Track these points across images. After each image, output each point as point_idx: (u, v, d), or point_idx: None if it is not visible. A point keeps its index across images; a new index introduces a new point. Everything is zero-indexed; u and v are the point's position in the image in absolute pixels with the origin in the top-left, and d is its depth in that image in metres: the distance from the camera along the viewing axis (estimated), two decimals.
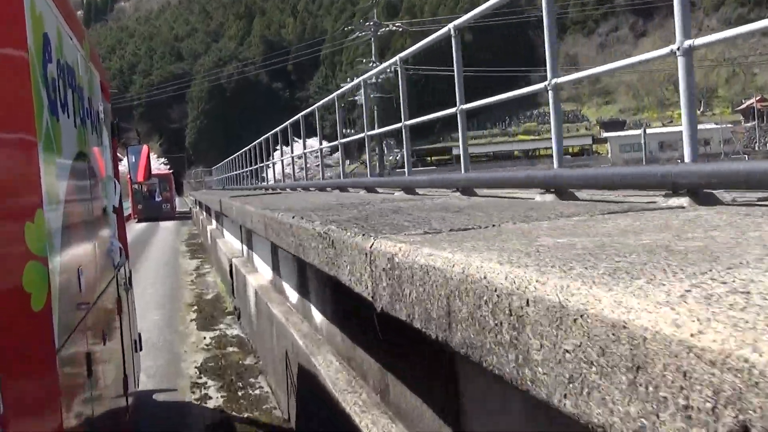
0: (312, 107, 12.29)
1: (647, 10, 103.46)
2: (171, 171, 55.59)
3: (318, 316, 5.27)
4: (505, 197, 4.68)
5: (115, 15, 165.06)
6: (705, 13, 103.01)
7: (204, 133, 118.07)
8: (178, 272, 17.46)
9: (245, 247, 11.01)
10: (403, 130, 7.34)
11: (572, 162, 74.97)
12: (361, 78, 9.61)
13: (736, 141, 67.91)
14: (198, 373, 8.05)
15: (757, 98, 79.56)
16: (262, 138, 18.55)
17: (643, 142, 54.18)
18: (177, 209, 45.64)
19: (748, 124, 72.38)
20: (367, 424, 3.32)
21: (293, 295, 6.41)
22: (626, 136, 76.41)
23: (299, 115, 13.60)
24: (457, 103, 5.76)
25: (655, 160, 53.45)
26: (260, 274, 9.04)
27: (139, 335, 5.86)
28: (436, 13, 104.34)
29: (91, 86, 3.76)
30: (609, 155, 77.55)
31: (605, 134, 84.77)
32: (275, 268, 7.59)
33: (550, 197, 3.85)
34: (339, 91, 10.64)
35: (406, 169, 7.69)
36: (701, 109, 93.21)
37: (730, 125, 71.62)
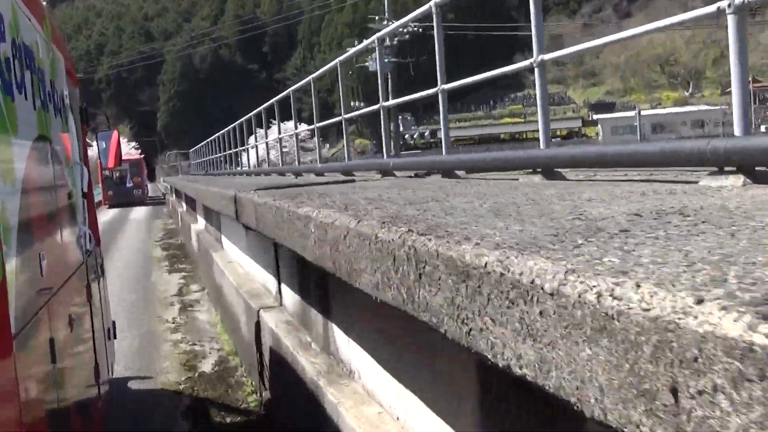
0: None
1: None
2: (142, 156, 55.12)
3: None
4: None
5: None
6: None
7: (176, 115, 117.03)
8: (151, 303, 11.44)
9: (289, 292, 5.75)
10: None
11: (561, 145, 74.99)
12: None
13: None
14: None
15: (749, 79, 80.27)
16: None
17: (638, 124, 54.41)
18: (149, 195, 45.46)
19: None
20: None
21: None
22: (618, 118, 76.50)
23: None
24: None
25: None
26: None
27: (113, 323, 5.88)
28: None
29: (54, 69, 3.74)
30: (600, 138, 77.82)
31: (596, 116, 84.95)
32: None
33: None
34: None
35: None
36: (690, 91, 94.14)
37: (725, 106, 72.31)
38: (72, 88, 4.74)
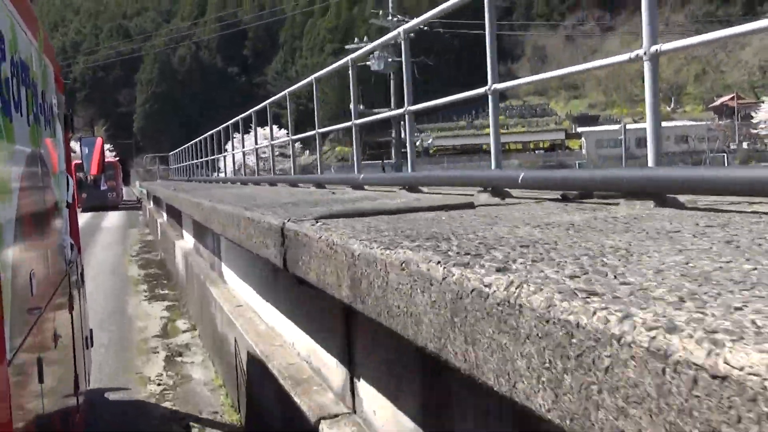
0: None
1: (613, 4, 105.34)
2: (117, 159, 54.76)
3: None
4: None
5: None
6: (672, 10, 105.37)
7: (154, 117, 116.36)
8: (128, 349, 8.95)
9: (374, 394, 3.51)
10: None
11: (544, 158, 75.90)
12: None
13: (721, 137, 69.46)
14: None
15: (730, 96, 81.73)
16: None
17: (623, 138, 54.96)
18: (123, 199, 45.16)
19: (722, 122, 74.38)
20: None
21: None
22: (602, 131, 77.26)
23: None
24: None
25: (632, 157, 54.36)
26: None
27: (91, 331, 5.91)
28: None
29: (45, 79, 3.81)
30: (583, 151, 78.52)
31: (580, 129, 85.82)
32: None
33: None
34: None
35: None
36: (672, 106, 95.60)
37: (709, 122, 73.46)
38: (59, 95, 4.80)
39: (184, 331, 9.74)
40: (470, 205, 3.52)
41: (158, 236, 18.92)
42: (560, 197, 3.58)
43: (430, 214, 3.12)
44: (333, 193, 6.19)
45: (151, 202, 24.74)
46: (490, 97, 4.70)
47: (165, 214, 17.68)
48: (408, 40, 5.83)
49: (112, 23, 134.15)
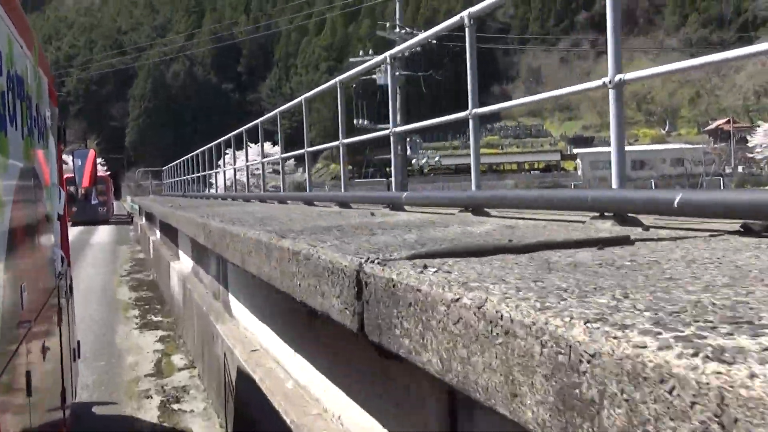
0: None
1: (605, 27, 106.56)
2: (109, 173, 54.80)
3: None
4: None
5: (53, 5, 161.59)
6: (666, 33, 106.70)
7: (146, 132, 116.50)
8: (116, 389, 8.04)
9: None
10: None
11: (539, 179, 76.04)
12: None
13: (717, 160, 69.79)
14: None
15: (725, 120, 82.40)
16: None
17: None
18: (114, 213, 45.15)
19: (718, 146, 74.96)
20: None
21: None
22: (598, 153, 77.18)
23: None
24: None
25: (629, 179, 54.44)
26: None
27: (78, 343, 5.91)
28: None
29: (39, 92, 3.86)
30: (579, 172, 78.65)
31: (576, 150, 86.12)
32: None
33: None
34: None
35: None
36: (666, 129, 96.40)
37: (705, 145, 73.93)
38: (52, 108, 4.85)
39: (181, 369, 8.65)
40: (626, 240, 2.47)
41: (150, 254, 18.09)
42: (741, 229, 2.68)
43: (585, 254, 2.14)
44: (372, 214, 5.10)
45: (143, 218, 23.49)
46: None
47: (158, 232, 16.80)
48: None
49: (106, 38, 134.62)
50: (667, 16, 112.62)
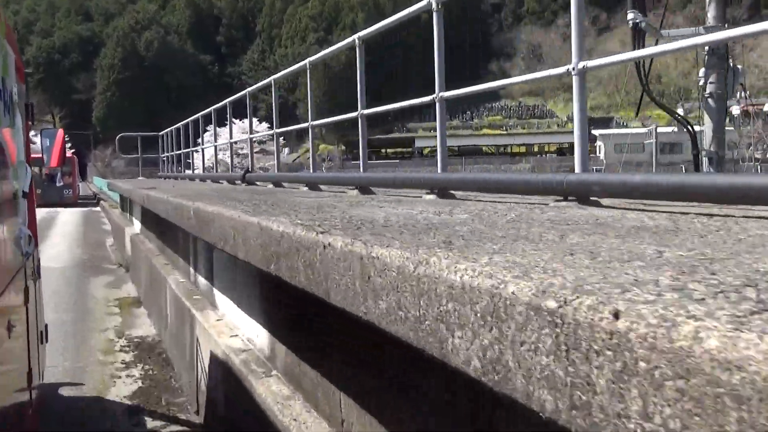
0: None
1: (609, 4, 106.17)
2: (74, 152, 54.62)
3: None
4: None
5: None
6: (671, 11, 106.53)
7: (115, 107, 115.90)
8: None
9: None
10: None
11: (558, 162, 74.20)
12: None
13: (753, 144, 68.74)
14: None
15: (747, 103, 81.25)
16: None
17: (654, 141, 53.77)
18: (80, 194, 45.28)
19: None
20: None
21: None
22: (623, 135, 73.54)
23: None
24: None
25: (659, 164, 53.83)
26: None
27: (46, 326, 6.14)
28: None
29: (6, 66, 4.05)
30: (601, 156, 76.51)
31: (597, 131, 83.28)
32: None
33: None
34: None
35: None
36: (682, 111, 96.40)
37: (732, 128, 72.38)
38: (20, 84, 5.04)
39: None
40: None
41: (122, 248, 15.42)
42: None
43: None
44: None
45: (125, 209, 19.63)
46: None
47: (139, 223, 13.91)
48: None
49: (70, 3, 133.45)
50: None
